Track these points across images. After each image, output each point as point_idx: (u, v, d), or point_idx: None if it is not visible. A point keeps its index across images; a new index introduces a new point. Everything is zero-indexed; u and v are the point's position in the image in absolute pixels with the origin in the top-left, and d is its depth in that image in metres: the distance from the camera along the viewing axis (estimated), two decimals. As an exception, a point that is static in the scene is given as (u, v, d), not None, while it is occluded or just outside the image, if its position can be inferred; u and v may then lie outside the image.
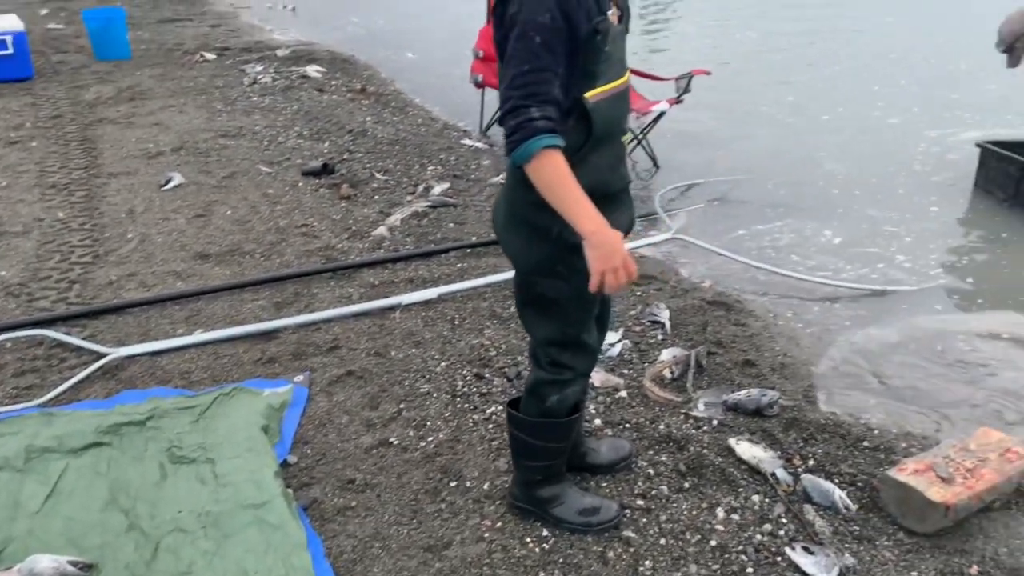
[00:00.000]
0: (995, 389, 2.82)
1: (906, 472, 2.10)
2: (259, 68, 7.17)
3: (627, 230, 1.86)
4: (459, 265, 3.66)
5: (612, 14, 1.63)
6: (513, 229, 1.82)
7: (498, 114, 1.60)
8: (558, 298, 1.82)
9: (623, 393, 2.69)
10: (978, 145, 4.31)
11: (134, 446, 2.41)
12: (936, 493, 2.02)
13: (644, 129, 4.96)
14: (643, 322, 3.15)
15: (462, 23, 7.06)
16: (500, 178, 4.74)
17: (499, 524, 2.12)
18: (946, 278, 3.62)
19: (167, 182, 4.58)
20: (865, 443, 2.44)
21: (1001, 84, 4.87)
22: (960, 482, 2.06)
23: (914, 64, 6.67)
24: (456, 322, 3.17)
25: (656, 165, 5.00)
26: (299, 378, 2.79)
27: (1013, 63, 4.25)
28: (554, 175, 1.56)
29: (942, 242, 3.97)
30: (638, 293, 3.40)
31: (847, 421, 2.57)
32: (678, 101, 4.85)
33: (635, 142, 4.93)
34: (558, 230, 1.68)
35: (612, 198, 1.77)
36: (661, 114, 4.85)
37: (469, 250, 3.79)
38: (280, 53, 7.79)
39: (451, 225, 4.08)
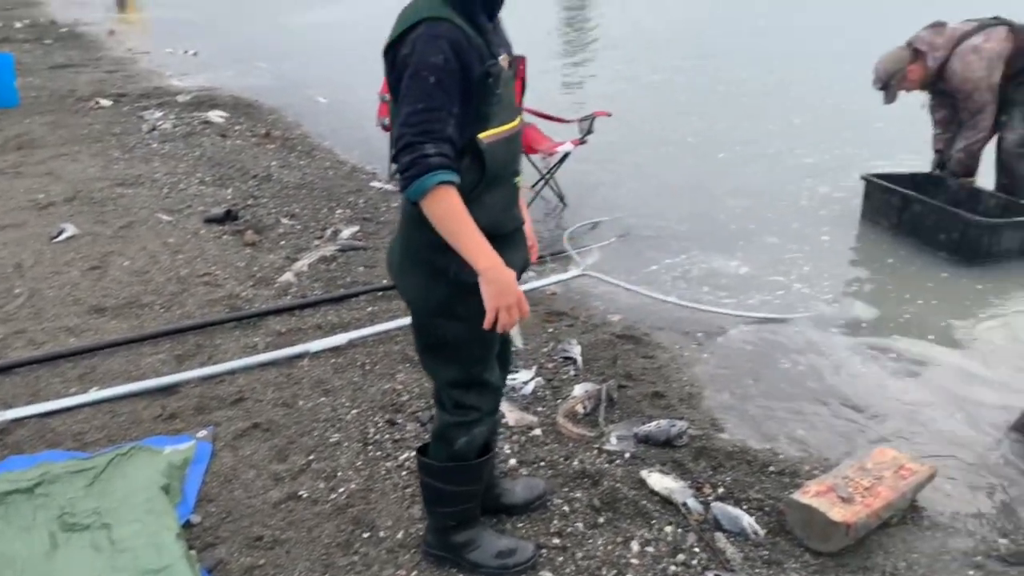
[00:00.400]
0: (887, 409, 2.96)
1: (809, 494, 2.17)
2: (158, 114, 6.99)
3: (521, 270, 1.89)
4: (369, 309, 3.61)
5: (503, 59, 1.67)
6: (409, 271, 1.81)
7: (393, 151, 1.60)
8: (458, 339, 1.82)
9: (537, 431, 2.70)
10: (863, 178, 4.57)
11: (21, 516, 2.25)
12: (837, 513, 2.09)
13: (551, 169, 5.06)
14: (555, 359, 3.18)
15: (371, 67, 7.09)
16: (410, 220, 4.73)
17: (414, 573, 2.07)
18: (840, 304, 3.80)
19: (59, 234, 4.38)
20: (771, 468, 2.51)
21: (888, 121, 5.19)
22: (859, 501, 2.15)
23: (809, 104, 7.05)
24: (367, 368, 3.12)
25: (564, 204, 5.09)
26: (202, 433, 2.68)
27: (890, 100, 4.57)
28: (449, 211, 1.58)
29: (835, 270, 4.17)
30: (550, 330, 3.43)
31: (753, 447, 2.64)
32: (582, 142, 4.97)
33: (542, 182, 5.02)
34: (455, 270, 1.70)
35: (506, 238, 1.80)
36: (567, 155, 4.96)
37: (380, 293, 3.75)
38: (181, 99, 7.62)
39: (361, 269, 4.04)
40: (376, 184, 5.43)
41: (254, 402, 2.88)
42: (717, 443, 2.64)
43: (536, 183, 5.00)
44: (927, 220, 4.15)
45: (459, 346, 1.83)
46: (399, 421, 2.75)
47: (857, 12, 11.89)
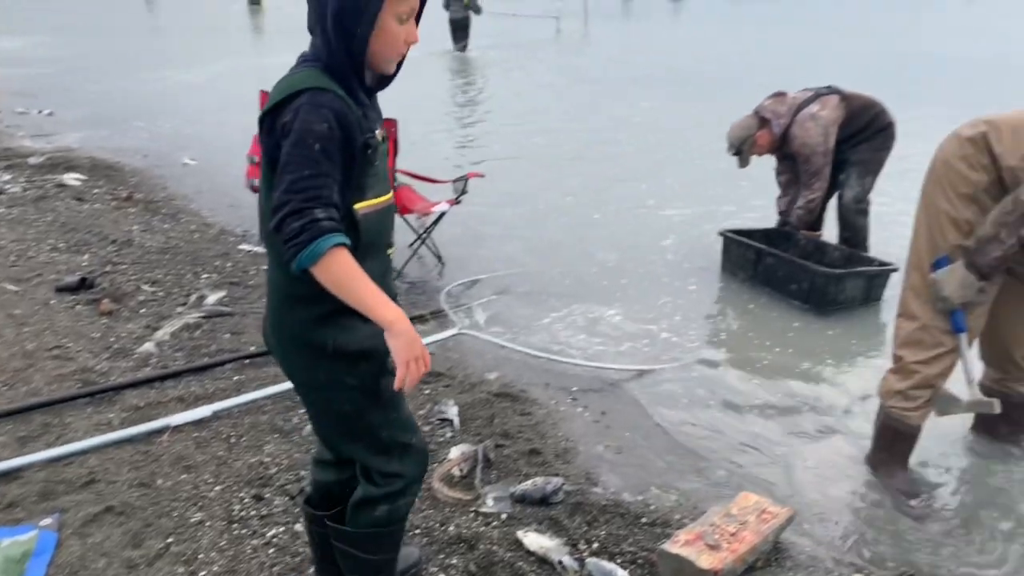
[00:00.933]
0: (751, 453, 3.08)
1: (678, 544, 2.22)
2: (6, 177, 6.57)
3: None
4: (236, 378, 3.47)
5: (379, 132, 1.68)
6: (291, 350, 1.75)
7: (275, 220, 1.53)
8: (359, 409, 1.77)
9: (412, 497, 2.63)
10: (720, 234, 4.83)
11: None
12: (705, 560, 2.14)
13: (427, 229, 5.08)
14: (432, 421, 3.15)
15: (239, 127, 6.94)
16: (281, 283, 4.60)
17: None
18: (708, 352, 3.96)
19: None
20: (644, 519, 2.56)
21: (752, 180, 5.51)
22: (725, 547, 2.21)
23: (680, 165, 7.39)
24: (233, 440, 2.98)
25: (441, 263, 5.10)
26: (46, 521, 2.47)
27: (743, 164, 4.88)
28: (347, 270, 1.55)
29: (702, 320, 4.35)
30: (426, 392, 3.40)
31: (626, 500, 2.68)
32: (457, 202, 5.02)
33: (419, 241, 5.03)
34: (332, 343, 1.67)
35: None
36: (442, 214, 5.00)
37: (248, 361, 3.61)
38: (33, 161, 7.20)
39: (227, 336, 3.89)
40: (245, 247, 5.28)
41: (107, 484, 2.68)
42: (592, 497, 2.66)
43: (413, 243, 5.00)
44: (779, 272, 4.42)
45: (362, 414, 1.78)
46: (267, 496, 2.63)
47: (725, 86, 12.71)
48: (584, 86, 12.26)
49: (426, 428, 3.08)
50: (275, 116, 1.58)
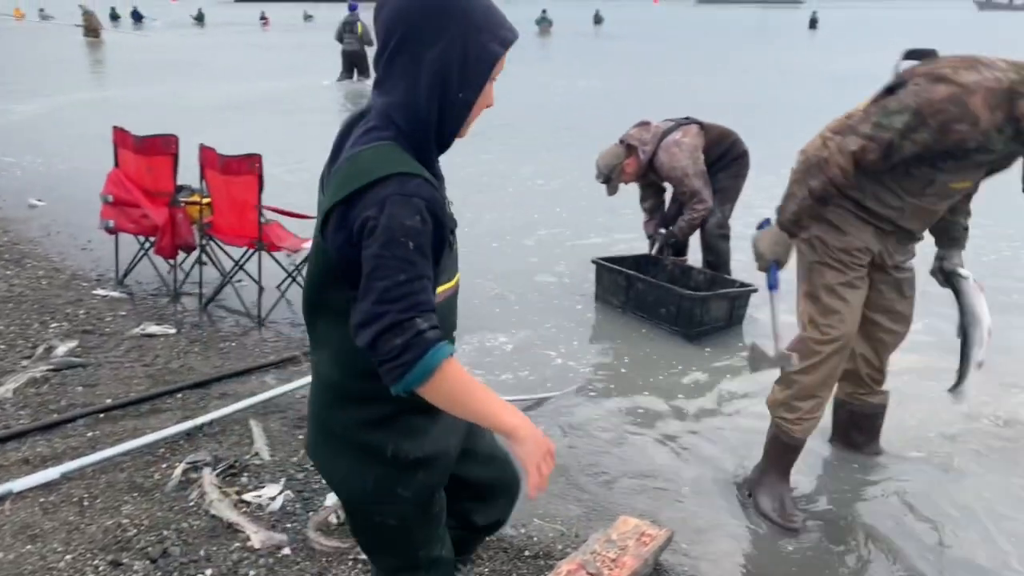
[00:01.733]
0: (632, 474, 3.13)
1: (560, 575, 2.21)
2: None
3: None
4: (90, 434, 3.22)
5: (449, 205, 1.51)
6: (336, 454, 1.55)
7: (366, 336, 1.32)
8: (403, 522, 1.59)
9: (287, 551, 2.52)
10: (593, 262, 4.93)
11: None
12: (586, 590, 2.14)
13: (298, 266, 4.92)
14: (306, 468, 3.02)
15: (93, 165, 6.54)
16: (140, 329, 4.34)
17: None
18: (586, 378, 4.00)
19: None
20: (527, 553, 2.54)
21: (635, 209, 5.61)
22: (607, 574, 2.22)
23: (571, 196, 7.48)
24: (86, 503, 2.75)
25: (314, 301, 4.95)
26: None
27: (612, 191, 5.04)
28: (462, 384, 1.38)
29: (588, 345, 4.39)
30: (300, 437, 3.27)
31: (509, 534, 2.66)
32: (328, 237, 4.91)
33: (289, 279, 4.87)
34: (393, 448, 1.50)
35: None
36: (313, 250, 4.86)
37: (102, 415, 3.36)
38: None
39: (79, 389, 3.61)
40: (100, 292, 4.94)
41: (-65, 564, 2.41)
42: (475, 535, 2.62)
43: (282, 282, 4.84)
44: (649, 297, 4.56)
45: (407, 531, 1.61)
46: (125, 561, 2.44)
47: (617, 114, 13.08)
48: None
49: (299, 476, 2.96)
50: (348, 207, 1.33)
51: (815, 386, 2.76)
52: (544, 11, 37.00)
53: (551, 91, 15.60)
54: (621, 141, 4.96)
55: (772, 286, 2.73)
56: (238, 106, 12.89)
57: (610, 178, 4.93)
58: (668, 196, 5.23)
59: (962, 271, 2.83)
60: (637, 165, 4.89)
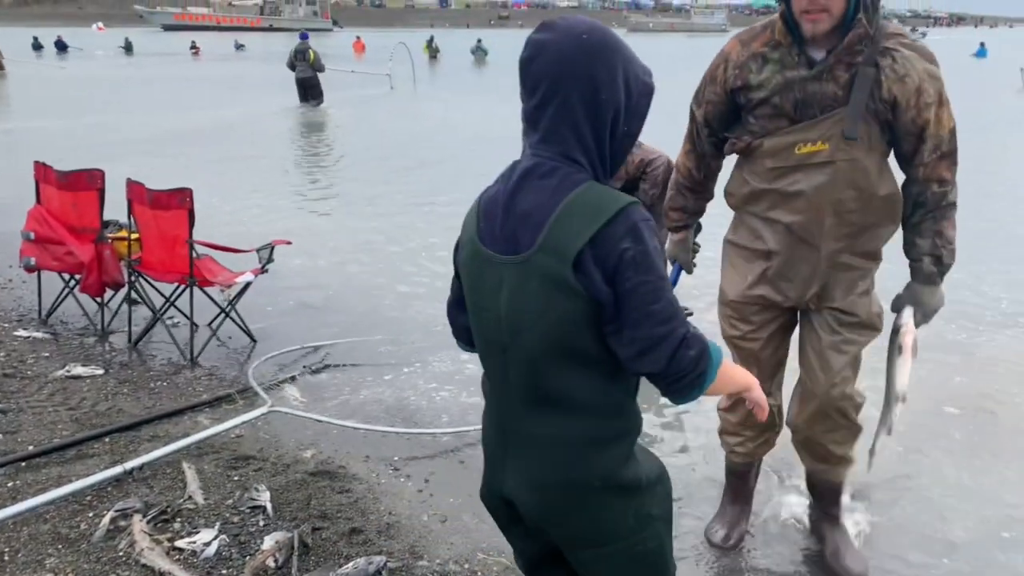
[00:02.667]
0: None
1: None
2: None
3: None
4: (10, 484, 3.07)
5: None
6: (599, 505, 1.47)
7: (659, 358, 1.35)
8: (660, 543, 1.55)
9: (222, 598, 2.43)
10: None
11: None
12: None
13: (232, 301, 4.82)
14: (242, 510, 2.94)
15: (7, 200, 6.30)
16: (65, 371, 4.18)
17: None
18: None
19: None
20: (471, 588, 2.51)
21: None
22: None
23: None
24: (7, 558, 2.62)
25: (252, 338, 4.85)
26: None
27: None
28: (727, 366, 1.47)
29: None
30: (235, 479, 3.18)
31: (453, 570, 2.63)
32: (263, 271, 4.82)
33: (222, 315, 4.76)
34: (645, 476, 1.51)
35: None
36: (247, 284, 4.77)
37: (24, 463, 3.22)
38: None
39: (-1, 436, 3.45)
40: (21, 333, 4.75)
41: None
42: (418, 572, 2.59)
43: (215, 318, 4.72)
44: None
45: (660, 547, 1.56)
46: (48, 618, 2.32)
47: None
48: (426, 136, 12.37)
49: (235, 519, 2.87)
50: (594, 247, 1.33)
51: (735, 424, 2.69)
52: (479, 41, 37.44)
53: (493, 120, 15.76)
54: None
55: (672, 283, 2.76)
56: (177, 137, 12.63)
57: None
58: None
59: (901, 324, 2.33)
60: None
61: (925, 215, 2.30)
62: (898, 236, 2.41)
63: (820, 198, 2.27)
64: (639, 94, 1.42)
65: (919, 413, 3.54)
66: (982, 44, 40.30)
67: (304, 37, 17.03)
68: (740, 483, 2.86)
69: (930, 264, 2.30)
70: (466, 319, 1.56)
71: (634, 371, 1.40)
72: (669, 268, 2.65)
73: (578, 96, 1.36)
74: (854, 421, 2.51)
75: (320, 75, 16.64)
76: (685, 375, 1.37)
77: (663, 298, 1.35)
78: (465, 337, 1.63)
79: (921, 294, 2.34)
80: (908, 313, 2.33)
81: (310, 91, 16.50)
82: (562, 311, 1.36)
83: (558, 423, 1.44)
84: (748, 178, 2.39)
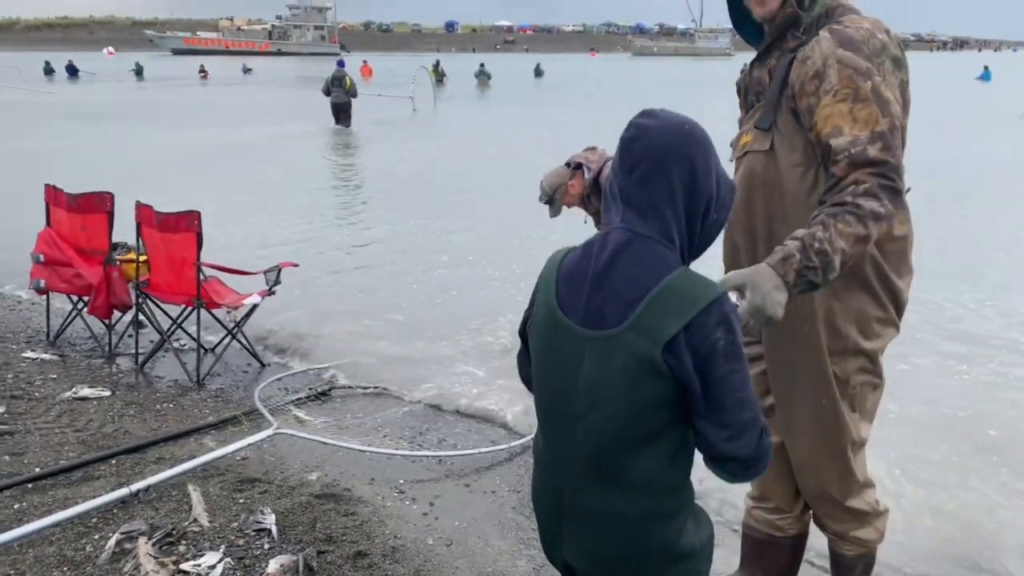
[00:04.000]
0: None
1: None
2: None
3: None
4: (17, 506, 3.07)
5: None
6: (643, 572, 1.51)
7: (748, 443, 1.41)
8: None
9: (226, 621, 2.42)
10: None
11: None
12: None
13: (239, 323, 4.85)
14: (247, 533, 2.93)
15: (17, 224, 6.35)
16: (72, 393, 4.19)
17: None
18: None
19: None
20: (476, 613, 2.49)
21: None
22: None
23: (531, 253, 7.46)
24: (12, 580, 2.61)
25: (258, 360, 4.87)
26: None
27: (555, 213, 5.05)
28: None
29: (528, 400, 4.40)
30: (240, 501, 3.17)
31: (458, 594, 2.61)
32: (270, 293, 4.85)
33: (229, 337, 4.78)
34: (699, 543, 1.53)
35: None
36: (255, 307, 4.80)
37: (30, 485, 3.22)
38: None
39: (6, 458, 3.45)
40: (29, 355, 4.77)
41: None
42: (423, 596, 2.57)
43: (222, 340, 4.74)
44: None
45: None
46: (53, 642, 2.31)
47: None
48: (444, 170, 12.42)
49: (240, 542, 2.86)
50: (688, 333, 1.37)
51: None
52: (482, 65, 37.78)
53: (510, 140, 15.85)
54: (568, 163, 4.99)
55: None
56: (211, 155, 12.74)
57: (553, 198, 4.91)
58: None
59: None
60: (581, 186, 4.86)
61: (826, 205, 1.83)
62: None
63: (739, 194, 1.91)
64: (727, 188, 1.49)
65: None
66: (986, 67, 40.47)
67: (340, 65, 18.00)
68: (746, 547, 2.48)
69: (794, 250, 1.77)
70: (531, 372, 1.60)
71: (720, 454, 1.42)
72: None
73: (678, 178, 1.42)
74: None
75: (354, 100, 17.58)
76: (763, 458, 1.44)
77: (748, 386, 1.42)
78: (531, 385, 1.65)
79: (763, 279, 1.76)
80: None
81: (342, 114, 17.33)
82: (645, 391, 1.39)
83: (619, 497, 1.46)
84: None
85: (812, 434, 2.13)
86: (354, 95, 17.52)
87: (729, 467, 1.44)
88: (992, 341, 5.16)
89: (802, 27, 1.97)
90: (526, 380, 1.68)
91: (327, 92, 17.41)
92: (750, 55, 2.23)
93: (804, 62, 1.91)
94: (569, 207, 5.09)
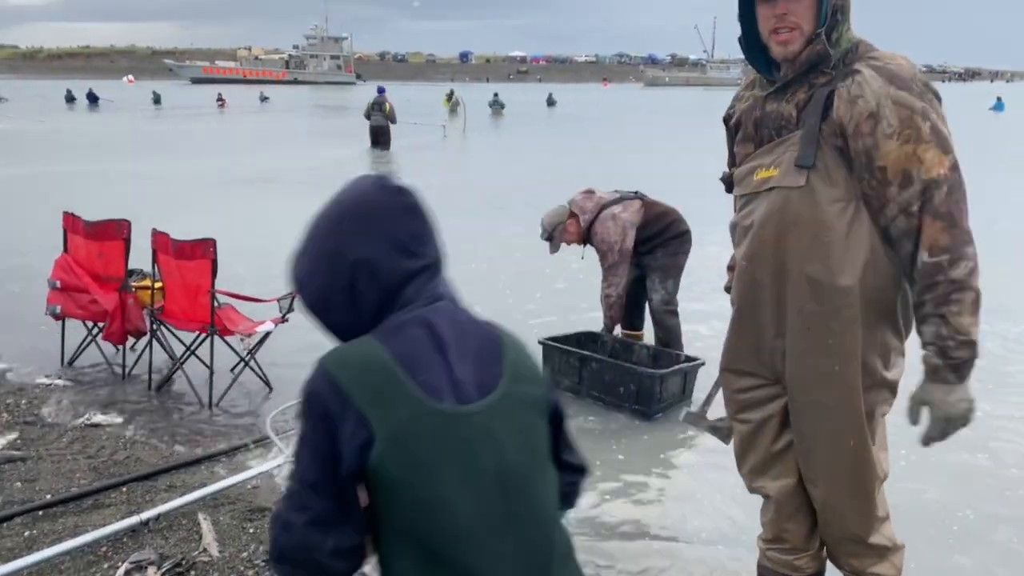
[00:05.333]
0: (596, 567, 3.07)
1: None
2: None
3: None
4: (27, 533, 3.06)
5: None
6: None
7: (585, 478, 1.47)
8: None
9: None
10: (540, 343, 4.89)
11: None
12: None
13: (251, 350, 4.85)
14: (257, 563, 2.91)
15: (35, 249, 6.42)
16: (85, 419, 4.20)
17: None
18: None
19: None
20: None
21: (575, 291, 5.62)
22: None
23: (546, 279, 7.55)
24: (20, 609, 2.60)
25: (269, 387, 4.86)
26: None
27: (554, 249, 5.13)
28: None
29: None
30: (251, 531, 3.15)
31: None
32: (283, 320, 4.86)
33: (242, 364, 4.78)
34: None
35: None
36: (267, 334, 4.81)
37: (41, 512, 3.21)
38: None
39: (17, 485, 3.45)
40: (43, 380, 4.79)
41: None
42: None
43: (235, 366, 4.75)
44: (604, 376, 4.56)
45: None
46: (60, 673, 2.29)
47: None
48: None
49: (251, 572, 2.84)
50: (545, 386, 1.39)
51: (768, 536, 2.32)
52: (496, 94, 38.18)
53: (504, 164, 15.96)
54: (568, 204, 5.10)
55: None
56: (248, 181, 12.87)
57: (552, 236, 5.08)
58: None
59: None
60: (577, 229, 5.01)
61: (924, 293, 1.85)
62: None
63: (764, 230, 2.01)
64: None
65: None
66: (999, 98, 40.46)
67: (381, 91, 18.84)
68: None
69: (934, 356, 1.86)
70: (342, 538, 1.21)
71: (577, 490, 1.44)
72: None
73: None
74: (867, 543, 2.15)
75: (392, 126, 18.42)
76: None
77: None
78: (350, 560, 1.23)
79: (931, 393, 1.88)
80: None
81: (381, 138, 18.12)
82: (540, 428, 1.31)
83: (540, 535, 1.27)
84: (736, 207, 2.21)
85: (838, 474, 2.09)
86: (393, 120, 18.27)
87: (571, 497, 1.43)
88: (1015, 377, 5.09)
89: (832, 63, 1.94)
90: (323, 555, 1.22)
91: (368, 116, 18.26)
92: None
93: (854, 101, 1.87)
94: (568, 244, 5.14)
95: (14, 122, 26.80)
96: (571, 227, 5.03)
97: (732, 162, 2.27)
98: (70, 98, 42.17)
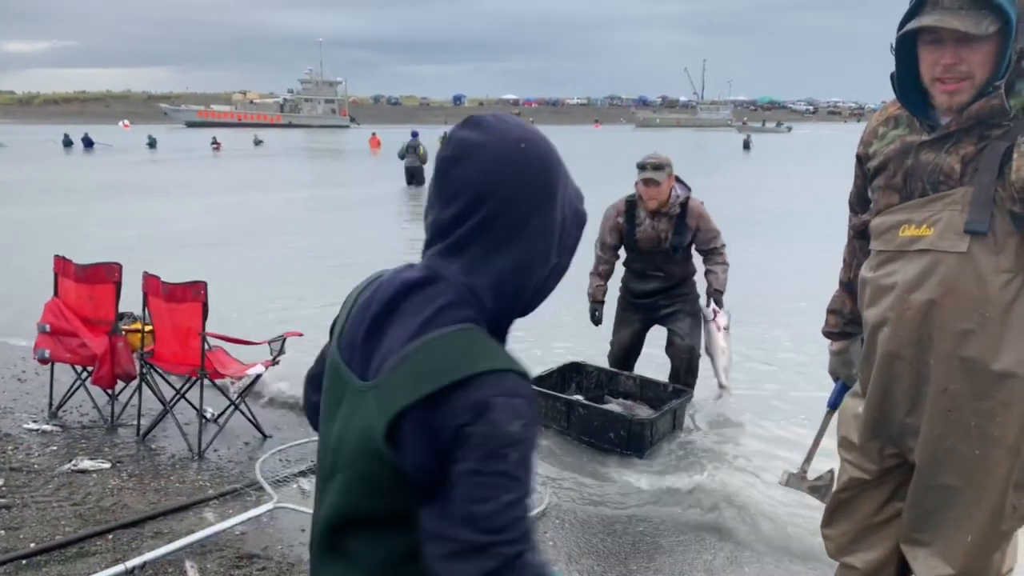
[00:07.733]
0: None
1: None
2: None
3: None
4: (10, 583, 3.00)
5: None
6: None
7: (465, 571, 1.02)
8: None
9: None
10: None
11: None
12: None
13: (242, 394, 4.82)
14: (243, 612, 2.85)
15: (23, 292, 6.40)
16: (71, 465, 4.14)
17: None
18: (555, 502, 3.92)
19: None
20: None
21: (577, 316, 5.66)
22: None
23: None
24: (-1, 662, 2.53)
25: (261, 431, 4.82)
26: None
27: (660, 180, 4.66)
28: None
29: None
30: (238, 578, 3.10)
31: None
32: (274, 363, 4.83)
33: (232, 408, 4.74)
34: None
35: None
36: (258, 377, 4.78)
37: (25, 561, 3.15)
38: None
39: (1, 533, 3.39)
40: (30, 426, 4.73)
41: None
42: None
43: (224, 411, 4.71)
44: (593, 422, 4.48)
45: None
46: None
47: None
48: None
49: (237, 622, 2.78)
50: (431, 410, 1.04)
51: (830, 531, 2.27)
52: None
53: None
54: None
55: (830, 404, 2.49)
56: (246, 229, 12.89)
57: (664, 168, 4.57)
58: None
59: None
60: (670, 187, 4.66)
61: None
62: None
63: (911, 296, 1.80)
64: (574, 224, 1.18)
65: None
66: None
67: (415, 135, 20.82)
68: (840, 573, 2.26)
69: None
70: (318, 400, 1.27)
71: (434, 573, 1.06)
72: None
73: (509, 220, 1.10)
74: None
75: (425, 166, 20.27)
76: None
77: (492, 500, 1.02)
78: (315, 420, 1.30)
79: None
80: None
81: (416, 176, 20.37)
82: (366, 468, 1.10)
83: None
84: (863, 267, 2.02)
85: (953, 557, 1.90)
86: (425, 161, 20.25)
87: None
88: None
89: (1011, 115, 1.73)
90: (308, 407, 1.40)
91: (402, 156, 20.49)
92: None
93: None
94: (657, 197, 4.73)
95: (12, 172, 26.89)
96: (669, 182, 4.65)
97: (864, 206, 2.08)
98: (68, 142, 42.47)
